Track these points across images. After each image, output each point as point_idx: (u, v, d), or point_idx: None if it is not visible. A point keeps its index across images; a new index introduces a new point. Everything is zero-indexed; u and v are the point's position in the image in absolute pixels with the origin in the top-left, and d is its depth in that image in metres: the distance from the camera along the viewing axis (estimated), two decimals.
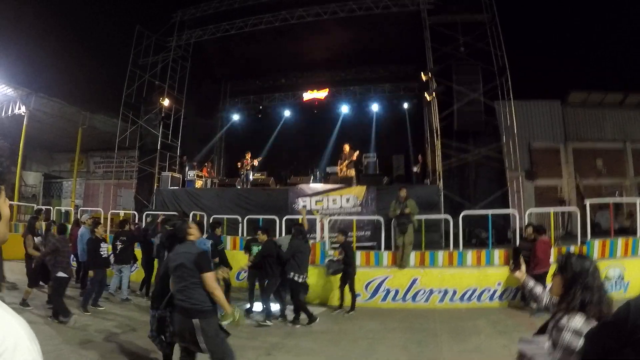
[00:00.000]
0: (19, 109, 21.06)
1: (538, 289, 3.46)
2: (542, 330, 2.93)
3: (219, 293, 4.87)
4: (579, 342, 2.53)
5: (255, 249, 10.31)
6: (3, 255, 12.16)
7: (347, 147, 18.06)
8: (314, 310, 10.44)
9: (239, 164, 19.72)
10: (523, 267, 3.70)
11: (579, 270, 2.80)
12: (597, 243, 11.63)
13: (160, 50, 20.92)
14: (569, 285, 2.80)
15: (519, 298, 10.64)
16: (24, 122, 20.96)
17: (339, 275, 10.72)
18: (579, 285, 2.75)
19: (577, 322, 2.61)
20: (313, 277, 11.07)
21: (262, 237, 9.96)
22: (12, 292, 11.18)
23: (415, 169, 19.02)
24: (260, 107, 24.06)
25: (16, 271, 12.73)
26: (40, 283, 10.23)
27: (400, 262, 11.57)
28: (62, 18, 27.11)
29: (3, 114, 21.73)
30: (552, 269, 9.22)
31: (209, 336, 4.75)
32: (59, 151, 30.62)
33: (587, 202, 12.87)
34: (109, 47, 27.09)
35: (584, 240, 11.84)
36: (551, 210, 14.50)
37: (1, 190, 1.39)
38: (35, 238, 11.11)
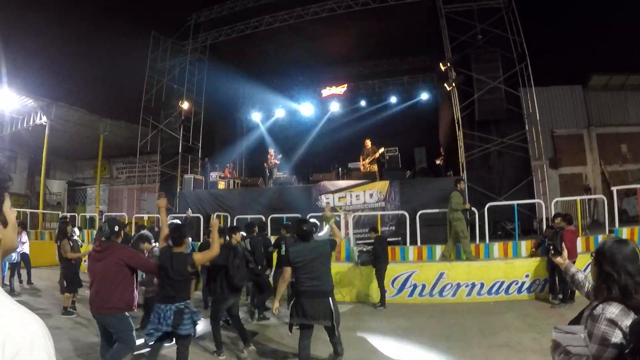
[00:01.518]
0: (40, 119, 21.38)
1: (580, 275, 3.32)
2: (577, 320, 2.83)
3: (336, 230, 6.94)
4: (615, 332, 2.43)
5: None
6: (31, 262, 12.43)
7: (368, 143, 18.04)
8: (341, 307, 10.44)
9: (265, 164, 19.77)
10: (565, 252, 3.56)
11: (614, 253, 2.68)
12: (625, 231, 11.42)
13: (177, 54, 21.01)
14: (603, 271, 2.69)
15: (547, 290, 10.52)
16: (46, 132, 21.26)
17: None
18: (614, 270, 2.63)
19: (613, 311, 2.48)
20: (339, 274, 11.01)
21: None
22: (38, 299, 11.26)
23: (437, 162, 18.88)
24: (280, 105, 24.05)
25: (44, 277, 12.90)
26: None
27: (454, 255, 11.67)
28: (78, 28, 27.37)
29: (25, 125, 22.06)
30: (580, 258, 9.15)
31: (337, 309, 6.14)
32: (81, 159, 31.07)
33: (614, 189, 12.65)
34: (126, 53, 27.22)
35: (612, 228, 11.65)
36: (577, 198, 14.30)
37: (6, 198, 1.42)
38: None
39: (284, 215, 14.04)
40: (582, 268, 8.45)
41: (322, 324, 6.13)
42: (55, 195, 30.68)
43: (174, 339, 5.66)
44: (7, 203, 1.43)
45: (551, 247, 3.73)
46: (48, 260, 14.50)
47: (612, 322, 2.45)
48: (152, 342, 5.62)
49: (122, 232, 6.15)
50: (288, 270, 6.22)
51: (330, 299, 6.09)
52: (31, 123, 21.86)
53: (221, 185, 18.90)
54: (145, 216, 19.42)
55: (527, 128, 16.32)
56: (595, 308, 2.59)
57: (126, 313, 5.71)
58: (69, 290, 9.77)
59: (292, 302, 6.33)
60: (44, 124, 21.29)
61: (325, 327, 6.22)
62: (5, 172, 1.44)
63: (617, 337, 2.42)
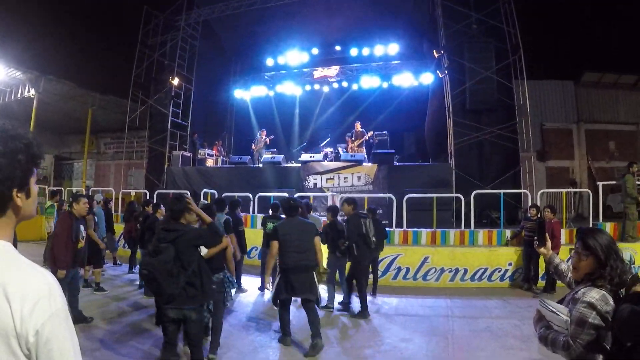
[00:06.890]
0: (29, 92, 21.07)
1: (563, 266, 3.39)
2: (560, 302, 2.90)
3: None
4: (592, 315, 2.55)
5: (271, 226, 8.83)
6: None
7: (358, 126, 18.16)
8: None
9: (253, 145, 19.75)
10: (549, 243, 3.59)
11: (607, 244, 2.76)
12: (608, 225, 11.62)
13: (170, 30, 20.77)
14: (605, 262, 2.72)
15: (518, 278, 10.71)
16: (34, 105, 20.93)
17: None
18: (613, 258, 2.71)
19: (593, 296, 2.60)
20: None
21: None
22: None
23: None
24: (271, 85, 23.84)
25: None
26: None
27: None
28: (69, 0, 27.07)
29: (12, 98, 21.76)
30: (563, 250, 9.22)
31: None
32: (69, 133, 30.75)
33: (600, 184, 12.77)
34: (117, 27, 26.99)
35: (596, 222, 11.80)
36: (563, 191, 14.40)
37: (34, 173, 1.55)
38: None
39: (272, 194, 14.03)
40: (565, 259, 8.52)
41: (307, 297, 6.42)
42: (42, 169, 30.44)
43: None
44: (34, 178, 1.55)
45: (535, 239, 3.77)
46: (35, 234, 14.39)
47: (590, 305, 2.58)
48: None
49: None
50: (275, 245, 6.39)
51: (314, 273, 6.53)
52: (19, 96, 21.53)
53: (209, 162, 18.85)
54: (132, 192, 19.34)
55: (517, 119, 16.35)
56: (577, 292, 2.72)
57: None
58: (99, 264, 10.07)
59: (278, 277, 6.49)
60: (32, 96, 20.97)
61: (306, 302, 6.50)
62: (40, 149, 1.55)
63: (594, 319, 2.55)
